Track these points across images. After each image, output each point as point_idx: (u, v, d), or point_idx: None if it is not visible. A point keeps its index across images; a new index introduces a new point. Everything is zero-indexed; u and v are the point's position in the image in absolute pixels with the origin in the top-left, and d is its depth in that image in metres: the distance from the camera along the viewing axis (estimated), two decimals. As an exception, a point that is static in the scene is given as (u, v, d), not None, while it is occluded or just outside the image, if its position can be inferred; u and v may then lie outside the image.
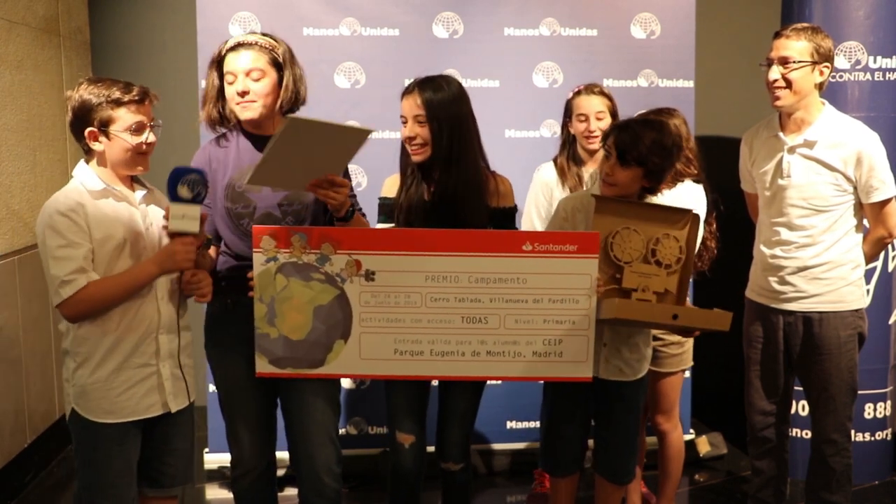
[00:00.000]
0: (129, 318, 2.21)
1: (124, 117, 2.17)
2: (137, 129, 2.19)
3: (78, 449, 2.28)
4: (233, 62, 2.36)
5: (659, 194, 2.71)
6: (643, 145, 2.32)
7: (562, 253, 2.29)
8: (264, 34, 2.42)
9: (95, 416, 2.22)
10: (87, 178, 2.21)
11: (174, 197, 2.14)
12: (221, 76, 2.40)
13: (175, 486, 2.40)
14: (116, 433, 2.23)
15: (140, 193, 2.28)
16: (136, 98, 2.19)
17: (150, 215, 2.28)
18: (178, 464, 2.38)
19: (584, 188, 3.03)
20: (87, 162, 2.26)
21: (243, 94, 2.33)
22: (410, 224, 2.49)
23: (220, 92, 2.42)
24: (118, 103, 2.16)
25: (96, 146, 2.20)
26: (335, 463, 2.46)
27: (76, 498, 2.31)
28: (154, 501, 2.40)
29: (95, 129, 2.18)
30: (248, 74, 2.34)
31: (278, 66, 2.39)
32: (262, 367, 2.32)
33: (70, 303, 2.12)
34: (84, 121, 2.18)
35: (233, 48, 2.37)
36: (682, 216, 2.43)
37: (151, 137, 2.23)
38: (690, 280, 2.50)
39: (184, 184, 2.14)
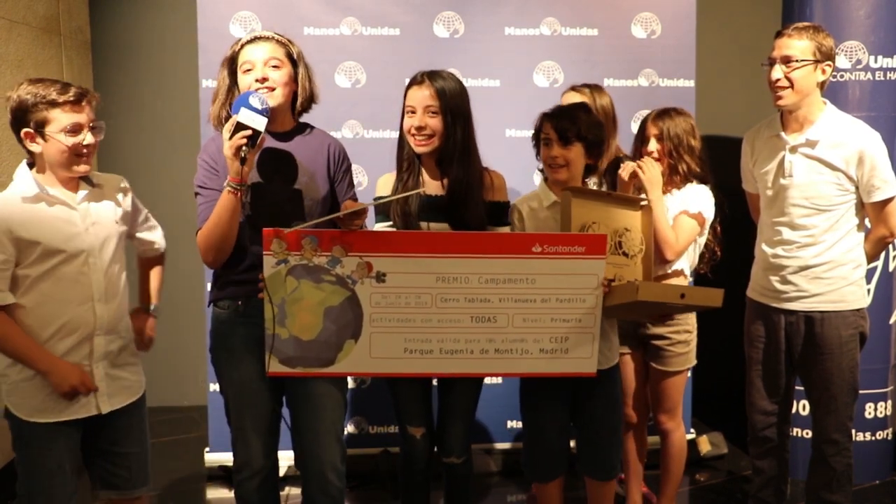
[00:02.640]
0: (62, 321, 2.21)
1: (59, 118, 2.15)
2: (73, 130, 2.17)
3: (14, 444, 2.29)
4: (251, 52, 2.37)
5: (673, 188, 2.74)
6: (580, 121, 2.50)
7: (570, 254, 2.34)
8: (277, 34, 2.44)
9: (25, 415, 2.23)
10: (22, 183, 2.21)
11: (246, 105, 2.21)
12: (232, 74, 2.41)
13: (132, 489, 2.40)
14: (46, 432, 2.23)
15: (82, 193, 2.27)
16: (72, 99, 2.16)
17: (91, 215, 2.27)
18: (133, 466, 2.39)
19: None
20: (32, 164, 2.25)
21: (263, 80, 2.34)
22: (409, 217, 2.52)
23: (230, 91, 2.42)
24: (53, 104, 2.14)
25: (34, 147, 2.19)
26: (340, 461, 2.47)
27: (18, 491, 2.31)
28: None
29: (31, 130, 2.16)
30: (266, 63, 2.36)
31: (293, 61, 2.43)
32: (274, 366, 2.33)
33: None
34: (21, 121, 2.17)
35: (250, 41, 2.39)
36: (637, 202, 2.61)
37: (90, 138, 2.21)
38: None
39: (255, 96, 2.22)
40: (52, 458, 2.24)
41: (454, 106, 2.48)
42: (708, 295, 2.42)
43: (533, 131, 2.61)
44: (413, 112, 2.51)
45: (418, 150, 2.52)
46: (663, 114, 2.88)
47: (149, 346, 2.54)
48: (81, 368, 2.23)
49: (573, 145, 2.49)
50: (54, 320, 2.21)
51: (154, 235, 2.56)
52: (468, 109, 2.54)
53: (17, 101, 2.16)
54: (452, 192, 2.52)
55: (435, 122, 2.48)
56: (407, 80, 2.58)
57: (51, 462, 2.24)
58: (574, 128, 2.48)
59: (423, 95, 2.48)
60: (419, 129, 2.49)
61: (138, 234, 2.51)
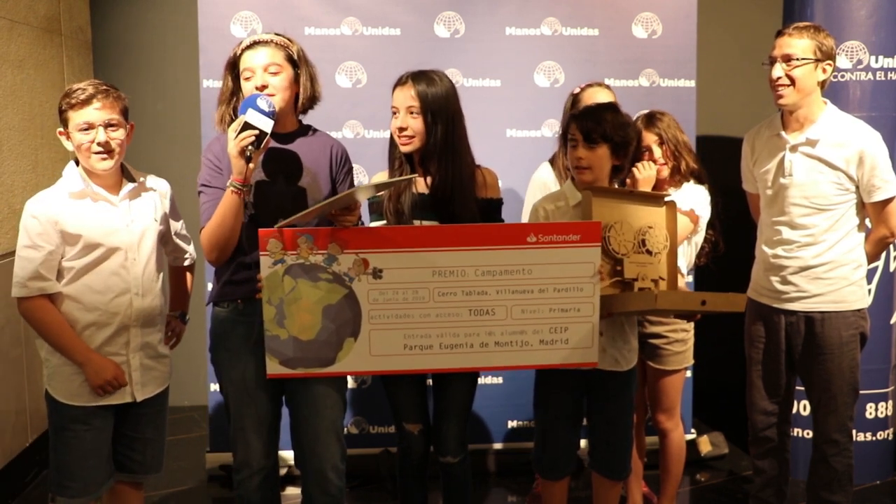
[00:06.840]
0: (100, 311, 2.35)
1: (73, 117, 2.31)
2: (85, 129, 2.31)
3: (50, 428, 2.41)
4: (250, 59, 2.38)
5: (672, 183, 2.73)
6: (606, 122, 2.47)
7: (565, 243, 2.34)
8: (277, 34, 2.45)
9: (63, 398, 2.36)
10: (69, 178, 2.38)
11: (254, 106, 2.24)
12: (235, 78, 2.42)
13: (143, 474, 2.53)
14: (83, 415, 2.36)
15: (124, 191, 2.41)
16: (81, 99, 2.31)
17: (132, 210, 2.41)
18: (148, 451, 2.51)
19: None
20: (78, 162, 2.41)
21: (262, 87, 2.35)
22: (401, 214, 2.53)
23: (233, 95, 2.43)
24: (69, 105, 2.31)
25: (67, 145, 2.37)
26: (340, 460, 2.47)
27: (50, 479, 2.41)
28: (120, 486, 2.51)
29: (63, 130, 2.36)
30: (266, 69, 2.37)
31: (293, 63, 2.43)
32: (273, 368, 2.33)
33: (20, 304, 2.34)
34: (60, 121, 2.36)
35: (249, 46, 2.40)
36: (661, 198, 2.60)
37: (101, 136, 2.31)
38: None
39: (263, 98, 2.27)
40: (88, 441, 2.36)
41: (436, 106, 2.49)
42: (730, 300, 2.42)
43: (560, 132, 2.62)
44: (397, 113, 2.54)
45: (403, 149, 2.55)
46: (653, 119, 2.91)
47: (173, 347, 2.67)
48: (116, 364, 2.36)
49: (598, 146, 2.48)
50: (94, 310, 2.34)
51: (187, 245, 2.68)
52: (455, 109, 2.54)
53: (59, 104, 2.35)
54: (436, 191, 2.53)
55: (416, 123, 2.51)
56: (407, 81, 2.59)
57: (86, 445, 2.36)
58: (599, 129, 2.46)
59: (404, 96, 2.51)
60: (401, 129, 2.52)
61: (174, 240, 2.62)
